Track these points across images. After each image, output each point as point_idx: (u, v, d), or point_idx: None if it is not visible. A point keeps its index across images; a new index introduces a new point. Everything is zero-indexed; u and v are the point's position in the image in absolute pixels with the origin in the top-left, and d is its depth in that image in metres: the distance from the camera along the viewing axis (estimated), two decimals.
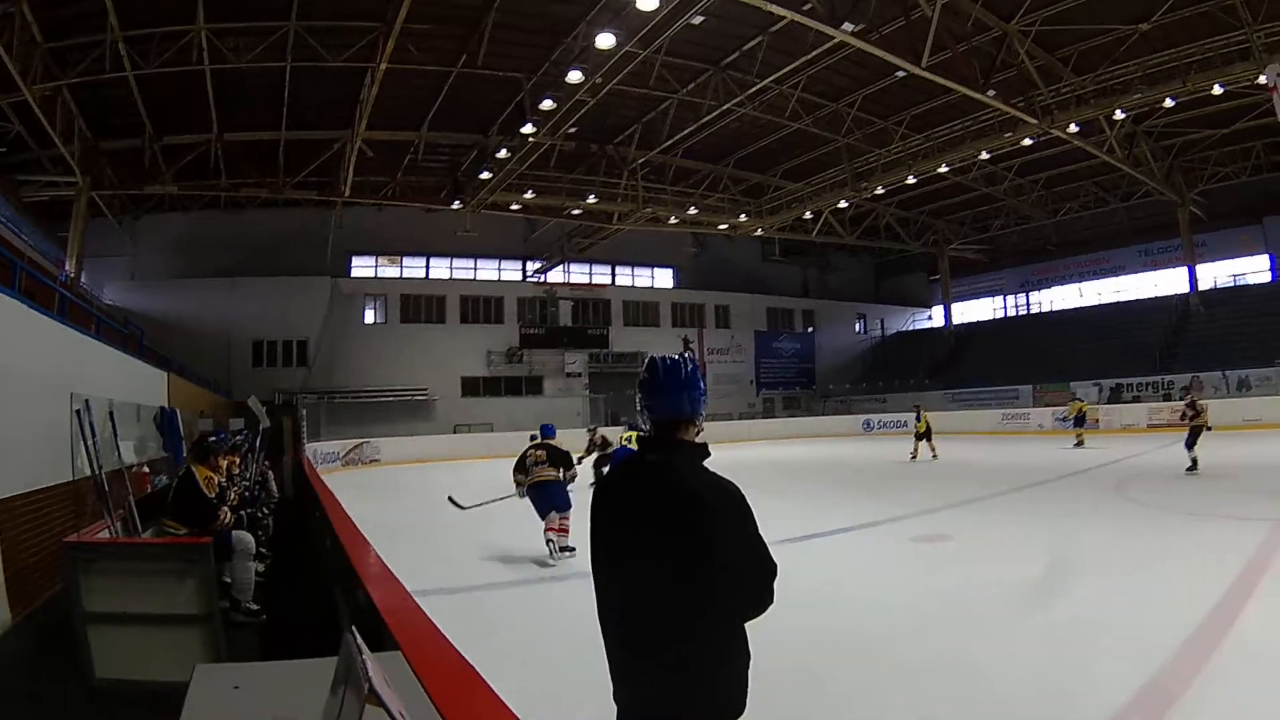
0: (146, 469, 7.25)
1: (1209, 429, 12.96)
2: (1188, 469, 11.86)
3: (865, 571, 6.74)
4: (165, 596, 4.30)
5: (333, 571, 4.23)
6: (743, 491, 1.77)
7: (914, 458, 17.37)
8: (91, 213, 19.67)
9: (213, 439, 5.96)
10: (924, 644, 4.58)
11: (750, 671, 1.77)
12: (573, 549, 7.01)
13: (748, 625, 1.78)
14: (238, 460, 7.93)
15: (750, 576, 1.74)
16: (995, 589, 5.77)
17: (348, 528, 4.99)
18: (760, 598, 1.76)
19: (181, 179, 20.11)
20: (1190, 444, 12.09)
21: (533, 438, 7.75)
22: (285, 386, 25.00)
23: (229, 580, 5.39)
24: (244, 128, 19.62)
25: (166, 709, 1.90)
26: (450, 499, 8.60)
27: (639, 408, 1.92)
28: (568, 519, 7.18)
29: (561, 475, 7.35)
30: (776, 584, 1.79)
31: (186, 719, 1.85)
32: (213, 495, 5.58)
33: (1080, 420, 19.54)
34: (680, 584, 1.68)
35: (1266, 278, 29.15)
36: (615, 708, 1.79)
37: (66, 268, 17.38)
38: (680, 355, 1.99)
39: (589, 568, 1.87)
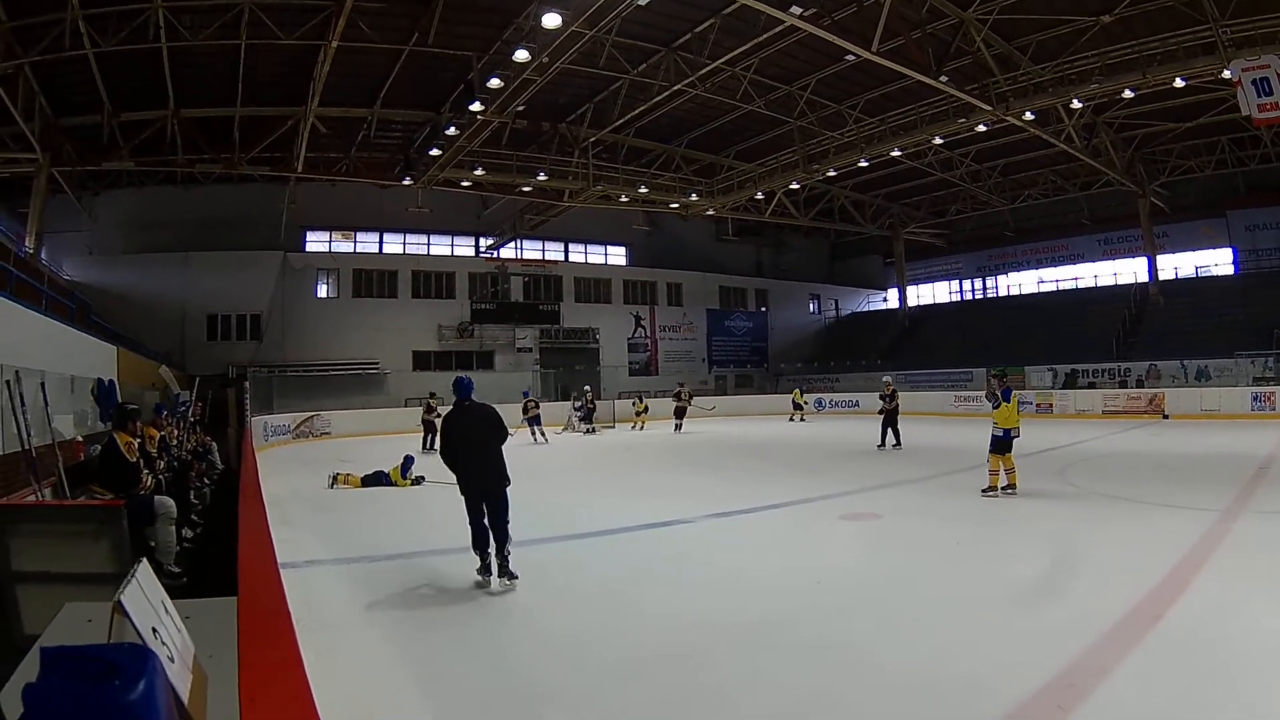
0: (80, 439, 7.58)
1: (1165, 417, 12.93)
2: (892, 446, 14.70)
3: (779, 550, 6.60)
4: (83, 556, 4.52)
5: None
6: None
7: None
8: (52, 189, 19.56)
9: (131, 406, 6.31)
10: (820, 626, 4.40)
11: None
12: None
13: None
14: (175, 430, 8.28)
15: (503, 430, 5.78)
16: (913, 569, 5.68)
17: (251, 493, 5.32)
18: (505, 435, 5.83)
19: (139, 155, 20.04)
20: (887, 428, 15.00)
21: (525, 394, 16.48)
22: (238, 360, 25.20)
23: (154, 544, 5.52)
24: (199, 104, 19.59)
25: None
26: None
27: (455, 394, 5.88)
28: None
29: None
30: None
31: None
32: (134, 460, 5.86)
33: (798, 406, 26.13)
34: (495, 439, 5.65)
35: (1230, 270, 29.24)
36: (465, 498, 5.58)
37: (26, 244, 17.51)
38: (465, 377, 5.98)
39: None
